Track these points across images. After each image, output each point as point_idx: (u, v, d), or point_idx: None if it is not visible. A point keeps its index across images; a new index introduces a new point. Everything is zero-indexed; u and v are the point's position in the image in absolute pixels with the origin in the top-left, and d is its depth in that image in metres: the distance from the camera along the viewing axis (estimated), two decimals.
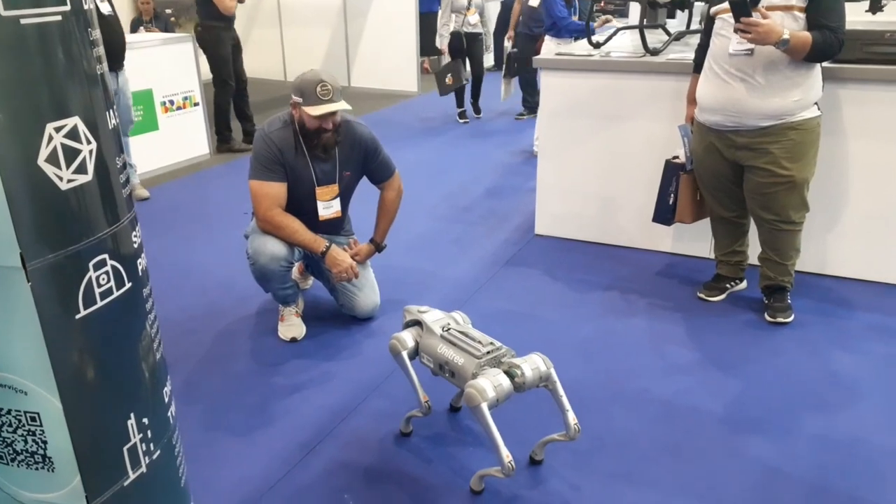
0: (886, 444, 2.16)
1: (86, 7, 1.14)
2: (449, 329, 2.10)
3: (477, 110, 7.05)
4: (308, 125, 2.61)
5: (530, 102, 6.76)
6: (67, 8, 1.09)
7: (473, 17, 6.45)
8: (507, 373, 1.90)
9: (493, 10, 9.26)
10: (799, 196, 2.72)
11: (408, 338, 2.15)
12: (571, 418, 1.95)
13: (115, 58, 4.01)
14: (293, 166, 2.68)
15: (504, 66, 6.36)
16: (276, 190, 2.67)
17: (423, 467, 2.10)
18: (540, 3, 5.84)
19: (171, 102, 5.31)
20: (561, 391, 1.96)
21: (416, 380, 2.13)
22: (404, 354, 2.13)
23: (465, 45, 6.52)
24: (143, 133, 5.07)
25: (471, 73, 6.83)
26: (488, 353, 1.97)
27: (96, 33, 1.18)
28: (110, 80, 1.25)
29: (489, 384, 1.84)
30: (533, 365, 1.92)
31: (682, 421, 2.29)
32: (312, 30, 9.17)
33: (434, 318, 2.16)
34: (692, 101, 2.91)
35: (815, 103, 2.64)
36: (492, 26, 8.98)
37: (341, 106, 2.59)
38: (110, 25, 3.93)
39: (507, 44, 6.61)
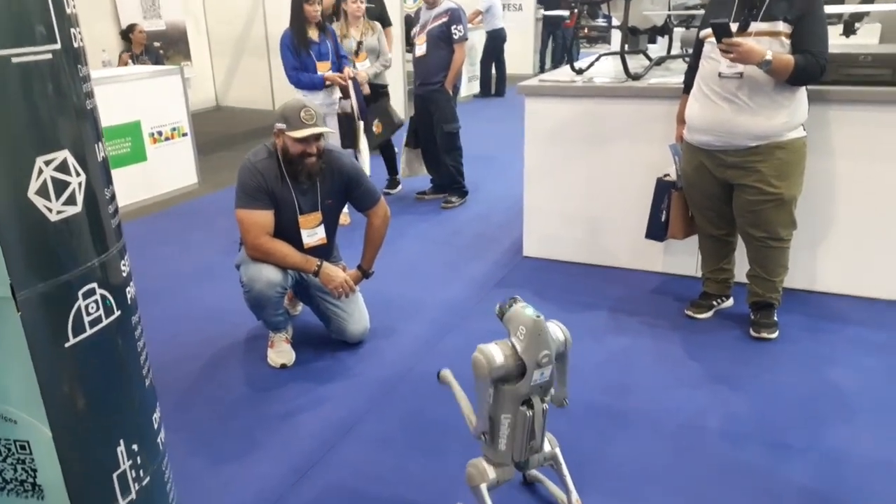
0: (876, 456, 2.18)
1: (75, 45, 1.18)
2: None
3: (392, 184, 5.33)
4: (292, 150, 2.65)
5: (440, 180, 5.08)
6: (58, 46, 1.12)
7: (363, 64, 4.74)
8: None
9: (478, 38, 9.40)
10: (787, 213, 2.77)
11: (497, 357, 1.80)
12: (575, 499, 1.92)
13: None
14: (277, 196, 2.72)
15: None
16: (264, 218, 2.70)
17: (415, 490, 2.10)
18: (426, 54, 4.72)
19: (160, 133, 5.33)
20: (565, 471, 1.94)
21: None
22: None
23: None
24: (131, 164, 5.10)
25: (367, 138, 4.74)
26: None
27: (86, 69, 1.22)
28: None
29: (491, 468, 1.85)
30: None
31: (677, 438, 2.31)
32: None
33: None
34: (682, 120, 2.97)
35: (802, 125, 2.71)
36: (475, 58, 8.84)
37: (324, 129, 2.68)
38: None
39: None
